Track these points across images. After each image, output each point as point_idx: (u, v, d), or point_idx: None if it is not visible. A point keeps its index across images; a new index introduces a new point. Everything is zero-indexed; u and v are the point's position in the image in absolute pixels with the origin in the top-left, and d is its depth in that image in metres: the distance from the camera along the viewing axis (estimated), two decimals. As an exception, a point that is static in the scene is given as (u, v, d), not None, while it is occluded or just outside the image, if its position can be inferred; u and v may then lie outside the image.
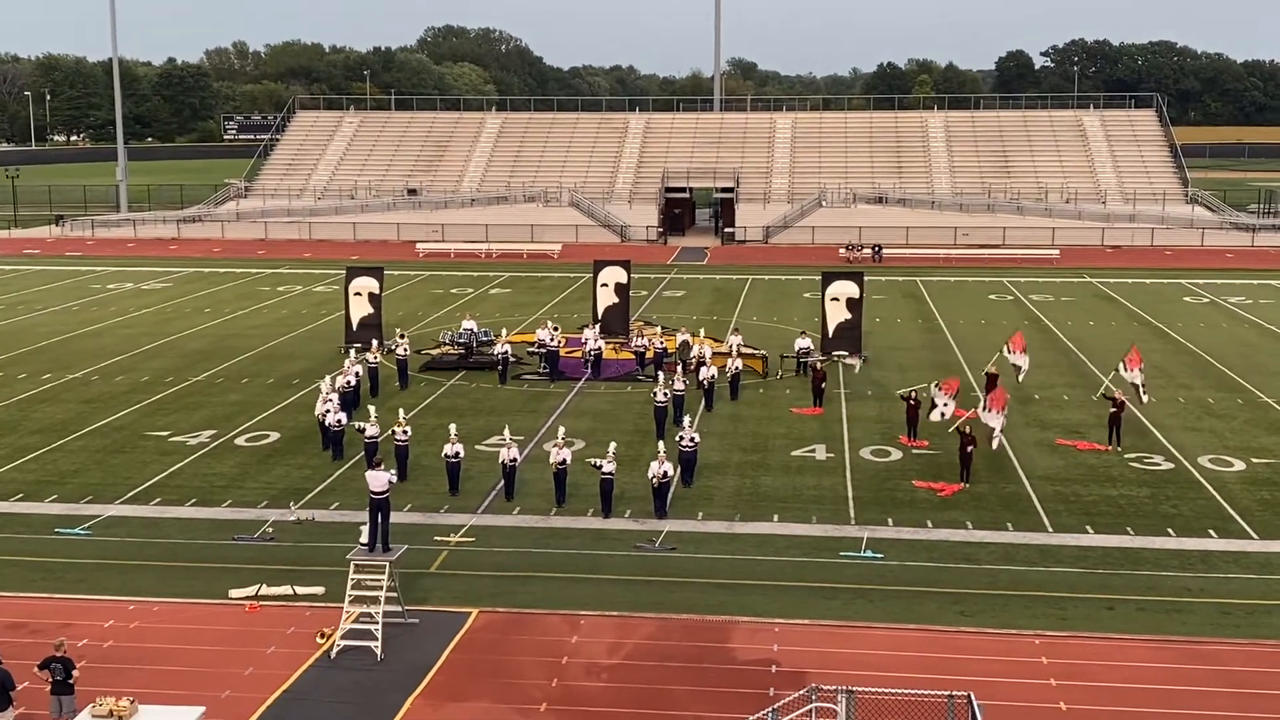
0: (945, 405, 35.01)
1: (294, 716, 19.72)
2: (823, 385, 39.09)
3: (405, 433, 31.58)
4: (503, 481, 30.27)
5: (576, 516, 28.81)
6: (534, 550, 26.78)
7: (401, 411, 32.99)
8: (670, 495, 29.16)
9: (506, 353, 42.72)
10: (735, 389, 40.04)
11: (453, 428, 30.89)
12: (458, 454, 30.27)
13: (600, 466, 28.60)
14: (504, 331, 45.34)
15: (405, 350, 41.97)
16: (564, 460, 29.42)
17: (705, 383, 38.65)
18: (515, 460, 30.23)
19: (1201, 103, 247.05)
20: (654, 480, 28.64)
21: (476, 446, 33.68)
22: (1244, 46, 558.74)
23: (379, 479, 22.96)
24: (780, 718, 17.37)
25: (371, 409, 32.33)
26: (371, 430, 31.09)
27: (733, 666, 21.36)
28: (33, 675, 19.19)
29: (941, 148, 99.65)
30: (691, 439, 31.02)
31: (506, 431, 31.11)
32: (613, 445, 29.68)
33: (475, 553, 26.64)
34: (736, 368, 40.36)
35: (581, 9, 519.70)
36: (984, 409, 33.71)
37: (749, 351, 43.69)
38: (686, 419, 32.40)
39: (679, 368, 38.68)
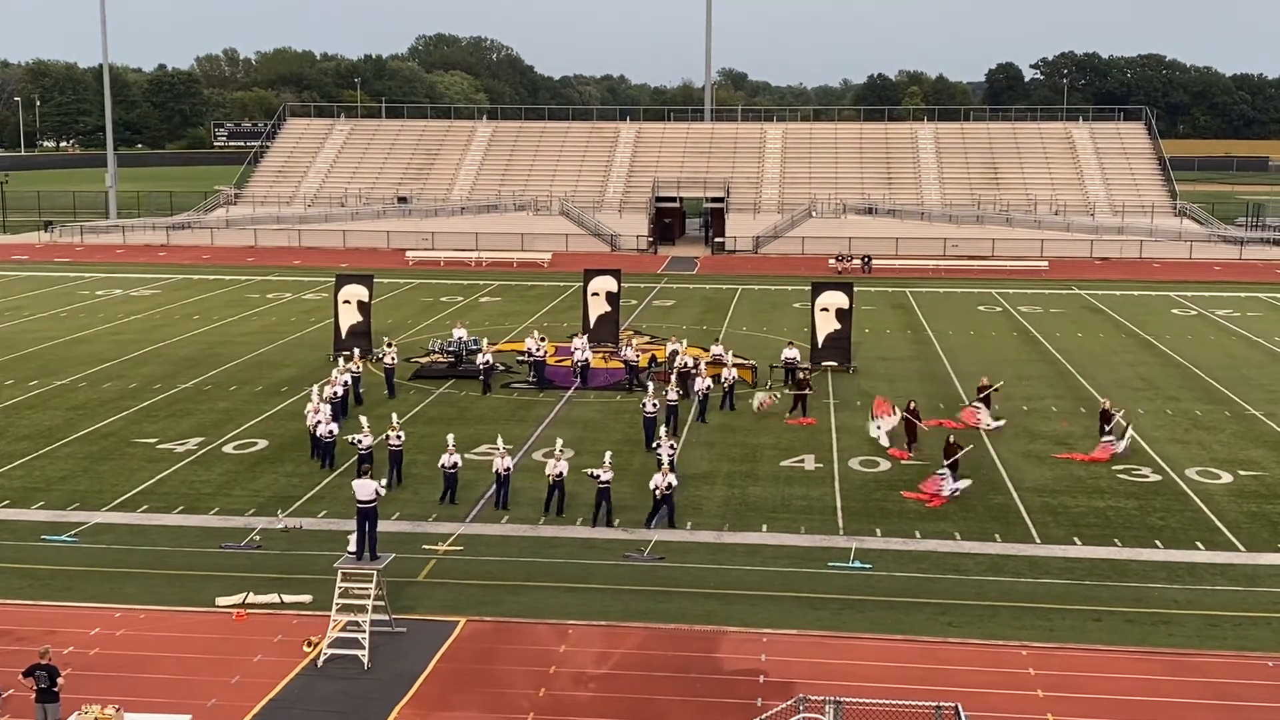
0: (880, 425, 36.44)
1: (280, 725, 19.67)
2: (807, 392, 39.19)
3: (399, 437, 31.59)
4: (494, 489, 30.23)
5: (565, 525, 28.79)
6: (522, 559, 26.75)
7: (395, 416, 32.97)
8: (672, 505, 29.00)
9: (489, 362, 42.63)
10: (730, 399, 40.02)
11: (450, 438, 30.75)
12: (455, 464, 30.18)
13: (598, 476, 28.56)
14: (484, 341, 45.29)
15: (393, 359, 41.85)
16: (561, 472, 29.38)
17: (700, 393, 38.66)
18: (509, 469, 30.20)
19: (1190, 116, 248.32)
20: (656, 491, 28.63)
21: (465, 455, 33.59)
22: (1233, 60, 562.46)
23: (366, 487, 22.97)
24: (768, 728, 17.35)
25: (364, 419, 32.07)
26: (366, 441, 30.78)
27: (721, 676, 21.35)
28: (17, 683, 19.10)
29: (931, 159, 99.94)
30: (671, 447, 31.05)
31: (500, 440, 31.09)
32: (608, 454, 29.60)
33: (463, 561, 26.60)
34: (731, 378, 40.33)
35: (573, 19, 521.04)
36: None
37: (739, 362, 43.71)
38: (663, 429, 32.41)
39: (673, 377, 38.66)
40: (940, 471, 31.28)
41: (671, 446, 31.12)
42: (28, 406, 40.21)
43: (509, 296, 66.01)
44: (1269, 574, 26.22)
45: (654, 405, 35.20)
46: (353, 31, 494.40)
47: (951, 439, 32.77)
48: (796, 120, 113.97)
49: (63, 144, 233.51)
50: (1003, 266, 78.52)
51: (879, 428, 36.46)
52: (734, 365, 41.21)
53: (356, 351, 42.38)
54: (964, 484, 31.07)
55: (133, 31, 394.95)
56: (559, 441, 30.43)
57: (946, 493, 30.71)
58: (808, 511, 30.00)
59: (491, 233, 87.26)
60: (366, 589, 22.05)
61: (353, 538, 22.87)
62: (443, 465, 30.23)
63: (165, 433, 36.93)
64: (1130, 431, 35.60)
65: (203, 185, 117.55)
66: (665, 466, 28.94)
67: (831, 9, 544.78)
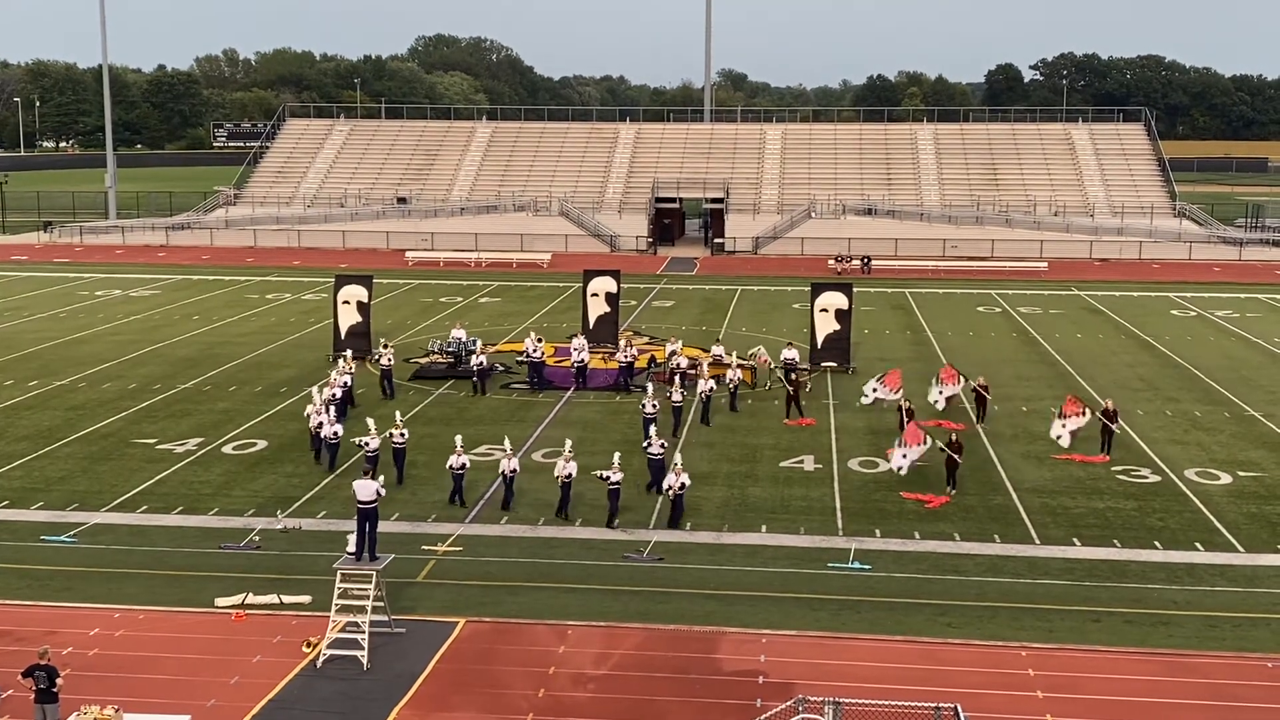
0: (876, 391, 38.73)
1: (280, 726, 19.66)
2: (799, 393, 39.21)
3: (403, 435, 31.63)
4: (497, 487, 30.23)
5: (565, 526, 28.80)
6: (522, 560, 26.76)
7: (398, 414, 32.99)
8: (684, 505, 29.00)
9: (483, 363, 42.54)
10: (734, 401, 39.98)
11: (458, 439, 30.61)
12: (463, 465, 30.13)
13: (608, 478, 28.56)
14: (478, 342, 45.29)
15: (389, 360, 41.75)
16: (570, 474, 29.36)
17: (703, 395, 38.69)
18: (515, 470, 30.16)
19: (1189, 117, 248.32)
20: (669, 491, 28.63)
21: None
22: (1232, 61, 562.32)
23: (367, 488, 22.98)
24: (767, 729, 17.35)
25: (371, 421, 31.94)
26: (373, 444, 30.56)
27: (720, 677, 21.35)
28: (17, 683, 19.11)
29: (931, 160, 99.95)
30: (661, 445, 31.07)
31: (506, 441, 31.07)
32: (617, 455, 29.55)
33: (463, 562, 26.61)
34: (736, 379, 40.30)
35: (573, 19, 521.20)
36: (899, 444, 32.34)
37: (741, 362, 43.70)
38: (653, 428, 32.39)
39: (677, 379, 38.72)
40: (926, 436, 31.68)
41: (662, 445, 31.07)
42: (27, 407, 40.20)
43: (508, 297, 66.00)
44: (1268, 575, 26.23)
45: (654, 406, 35.18)
46: (352, 32, 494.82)
47: (955, 437, 32.75)
48: (796, 121, 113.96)
49: (62, 144, 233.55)
50: (1002, 267, 78.52)
51: (874, 390, 37.02)
52: (738, 366, 41.21)
53: (349, 353, 42.16)
54: (906, 461, 31.54)
55: (133, 31, 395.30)
56: (568, 443, 30.25)
57: (900, 460, 31.43)
58: (807, 512, 30.00)
59: (491, 233, 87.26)
60: (366, 589, 22.06)
61: (352, 538, 22.87)
62: (451, 466, 30.19)
63: (165, 433, 36.93)
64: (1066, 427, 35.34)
65: (202, 186, 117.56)
66: (678, 466, 28.95)
67: (831, 9, 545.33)
